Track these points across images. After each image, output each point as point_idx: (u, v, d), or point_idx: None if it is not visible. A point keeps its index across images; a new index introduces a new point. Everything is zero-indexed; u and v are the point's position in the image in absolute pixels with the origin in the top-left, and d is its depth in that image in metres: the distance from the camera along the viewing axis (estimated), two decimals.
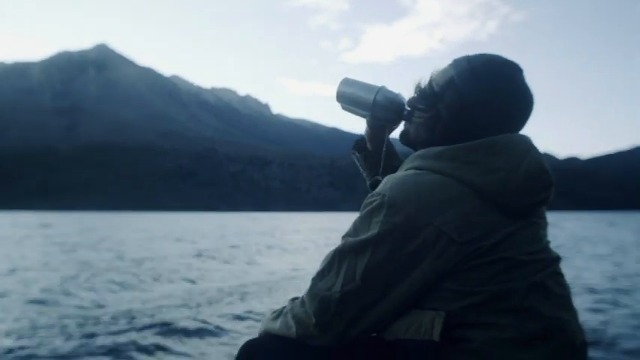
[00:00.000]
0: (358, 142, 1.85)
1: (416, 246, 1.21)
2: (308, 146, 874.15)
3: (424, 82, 1.49)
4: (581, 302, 6.27)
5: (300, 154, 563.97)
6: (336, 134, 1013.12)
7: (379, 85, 1.64)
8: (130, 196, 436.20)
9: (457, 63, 1.42)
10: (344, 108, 1.71)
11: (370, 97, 1.61)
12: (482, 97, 1.35)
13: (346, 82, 1.69)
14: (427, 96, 1.46)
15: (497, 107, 1.36)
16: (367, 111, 1.65)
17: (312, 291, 1.31)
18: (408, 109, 1.56)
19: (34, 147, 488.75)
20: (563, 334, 1.24)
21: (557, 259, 1.34)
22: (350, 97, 1.67)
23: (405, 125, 1.58)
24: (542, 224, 1.37)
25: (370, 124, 1.72)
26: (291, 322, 1.33)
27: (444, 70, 1.44)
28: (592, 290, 7.95)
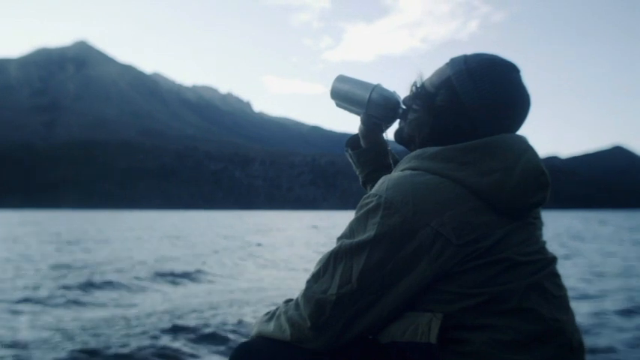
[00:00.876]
0: (351, 139, 1.82)
1: (413, 248, 1.20)
2: (290, 144, 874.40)
3: (420, 81, 1.48)
4: None
5: (282, 153, 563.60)
6: (317, 132, 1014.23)
7: (374, 82, 1.61)
8: (111, 194, 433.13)
9: (454, 63, 1.41)
10: (338, 105, 1.70)
11: (365, 94, 1.59)
12: (478, 98, 1.34)
13: (341, 78, 1.67)
14: (422, 95, 1.44)
15: (494, 108, 1.35)
16: (362, 108, 1.62)
17: (307, 293, 1.29)
18: (404, 107, 1.55)
19: (12, 145, 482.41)
20: (562, 335, 1.24)
21: (553, 259, 1.33)
22: (345, 95, 1.64)
23: (399, 124, 1.57)
24: (538, 225, 1.36)
25: (364, 122, 1.69)
26: (286, 325, 1.31)
27: (441, 70, 1.43)
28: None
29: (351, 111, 1.68)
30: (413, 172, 1.30)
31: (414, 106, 1.47)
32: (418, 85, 1.48)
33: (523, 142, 1.33)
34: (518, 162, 1.27)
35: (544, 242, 1.36)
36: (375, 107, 1.59)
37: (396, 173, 1.34)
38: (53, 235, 27.08)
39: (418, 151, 1.36)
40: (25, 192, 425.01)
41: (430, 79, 1.45)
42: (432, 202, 1.21)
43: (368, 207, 1.26)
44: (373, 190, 1.30)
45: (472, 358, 1.18)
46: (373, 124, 1.67)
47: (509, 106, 1.36)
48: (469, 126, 1.35)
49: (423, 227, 1.19)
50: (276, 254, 15.97)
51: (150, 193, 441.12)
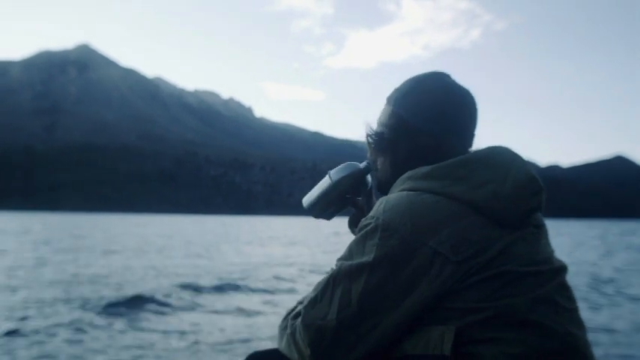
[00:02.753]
0: (351, 220, 1.76)
1: (412, 268, 1.20)
2: (290, 150, 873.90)
3: (370, 130, 1.53)
4: None
5: (283, 158, 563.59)
6: (318, 138, 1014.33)
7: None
8: (110, 198, 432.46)
9: (389, 98, 1.50)
10: (329, 217, 1.71)
11: (327, 183, 1.61)
12: (421, 111, 1.41)
13: (305, 199, 1.69)
14: (375, 138, 1.50)
15: (439, 113, 1.40)
16: (339, 194, 1.62)
17: (306, 321, 1.28)
18: (366, 162, 1.60)
19: (13, 147, 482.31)
20: (576, 351, 1.22)
21: (561, 269, 1.32)
22: (319, 202, 1.64)
23: (372, 176, 1.60)
24: (543, 233, 1.35)
25: (352, 203, 1.69)
26: (293, 348, 1.32)
27: (383, 110, 1.51)
28: None
29: (339, 206, 1.68)
30: (409, 192, 1.30)
31: (375, 153, 1.53)
32: (369, 133, 1.52)
33: (510, 152, 1.36)
34: (510, 171, 1.28)
35: (551, 251, 1.35)
36: (343, 181, 1.59)
37: (392, 195, 1.34)
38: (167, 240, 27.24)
39: (410, 173, 1.37)
40: (25, 194, 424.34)
41: (378, 121, 1.52)
42: (429, 222, 1.21)
43: (366, 229, 1.27)
44: (371, 213, 1.30)
45: None
46: (359, 196, 1.68)
47: (453, 106, 1.41)
48: (429, 141, 1.40)
49: (421, 247, 1.19)
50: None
51: (149, 197, 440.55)
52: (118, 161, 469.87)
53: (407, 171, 1.39)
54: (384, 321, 1.22)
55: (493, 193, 1.24)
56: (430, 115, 1.41)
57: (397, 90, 1.48)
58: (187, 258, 17.61)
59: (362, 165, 1.61)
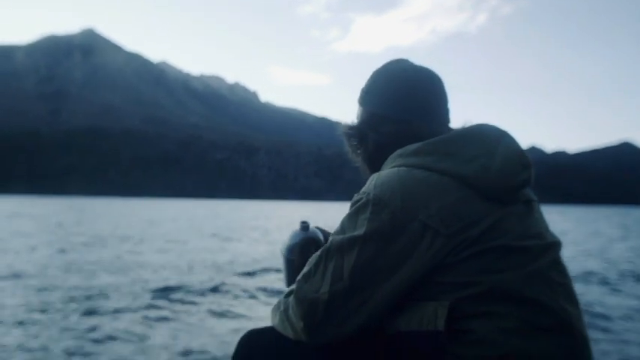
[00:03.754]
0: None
1: (403, 242, 1.20)
2: (295, 135, 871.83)
3: (345, 128, 1.55)
4: None
5: (288, 143, 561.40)
6: (324, 123, 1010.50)
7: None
8: (115, 181, 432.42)
9: (358, 99, 1.55)
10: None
11: (285, 261, 1.65)
12: (387, 99, 1.45)
13: (285, 284, 1.66)
14: (353, 132, 1.54)
15: (406, 95, 1.43)
16: (299, 262, 1.57)
17: (299, 295, 1.29)
18: (301, 222, 1.64)
19: (18, 132, 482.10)
20: (570, 327, 1.22)
21: (554, 244, 1.32)
22: (290, 279, 1.59)
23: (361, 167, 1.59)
24: (533, 208, 1.36)
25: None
26: (286, 323, 1.33)
27: (357, 110, 1.55)
28: None
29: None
30: (400, 168, 1.31)
31: (354, 145, 1.55)
32: (344, 131, 1.56)
33: (498, 129, 1.37)
34: (498, 146, 1.30)
35: (545, 226, 1.35)
36: (295, 252, 1.62)
37: (383, 171, 1.35)
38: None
39: (400, 150, 1.38)
40: (30, 178, 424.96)
41: (353, 121, 1.56)
42: (419, 196, 1.22)
43: (358, 205, 1.28)
44: (363, 189, 1.32)
45: (478, 346, 1.17)
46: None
47: (415, 87, 1.44)
48: (400, 126, 1.43)
49: (412, 221, 1.20)
50: None
51: (154, 181, 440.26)
52: (123, 145, 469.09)
53: (384, 160, 1.43)
54: (375, 294, 1.23)
55: (483, 167, 1.25)
56: (394, 102, 1.43)
57: (362, 89, 1.53)
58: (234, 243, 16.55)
59: (300, 227, 1.63)
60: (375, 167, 1.46)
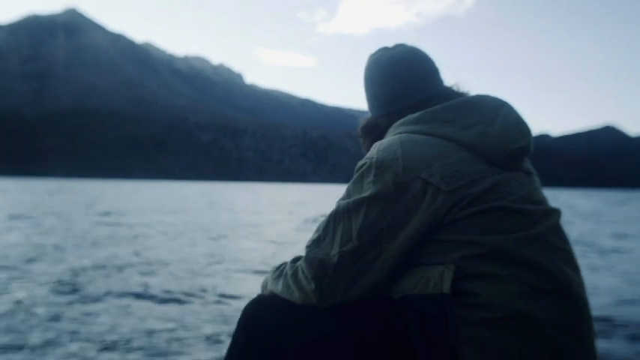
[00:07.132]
0: None
1: (407, 200, 1.24)
2: (281, 117, 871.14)
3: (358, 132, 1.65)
4: None
5: (273, 125, 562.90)
6: (309, 105, 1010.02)
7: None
8: (100, 163, 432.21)
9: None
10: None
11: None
12: (385, 82, 1.52)
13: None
14: (362, 134, 1.63)
15: (400, 81, 1.50)
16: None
17: (309, 257, 1.31)
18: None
19: (2, 112, 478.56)
20: (569, 291, 1.24)
21: (555, 211, 1.34)
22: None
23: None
24: (534, 179, 1.39)
25: None
26: (293, 287, 1.34)
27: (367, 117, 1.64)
28: None
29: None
30: (401, 134, 1.37)
31: (364, 140, 1.63)
32: (357, 134, 1.65)
33: (498, 99, 1.41)
34: (498, 114, 1.34)
35: (545, 198, 1.38)
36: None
37: (385, 139, 1.41)
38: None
39: (401, 120, 1.43)
40: (14, 160, 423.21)
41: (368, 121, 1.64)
42: (420, 157, 1.27)
43: (362, 169, 1.33)
44: (367, 155, 1.37)
45: (482, 308, 1.19)
46: None
47: (406, 68, 1.51)
48: (405, 102, 1.50)
49: (414, 180, 1.25)
50: None
51: (139, 163, 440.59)
52: (108, 126, 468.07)
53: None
54: (383, 253, 1.27)
55: (482, 132, 1.30)
56: (386, 97, 1.52)
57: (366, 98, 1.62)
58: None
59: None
60: None
